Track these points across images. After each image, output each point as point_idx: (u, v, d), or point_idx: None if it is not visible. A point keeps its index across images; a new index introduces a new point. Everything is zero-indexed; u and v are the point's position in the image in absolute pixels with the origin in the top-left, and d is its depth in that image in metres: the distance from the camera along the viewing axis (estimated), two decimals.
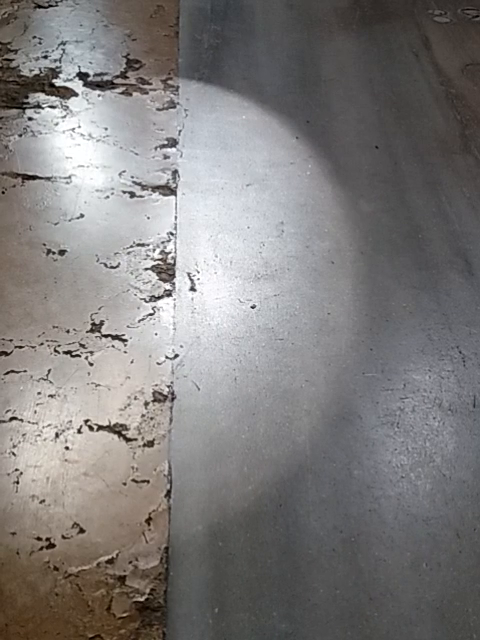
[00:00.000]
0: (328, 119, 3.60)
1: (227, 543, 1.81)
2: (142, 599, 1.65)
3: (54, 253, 2.55)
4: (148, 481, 1.89)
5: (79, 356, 2.20)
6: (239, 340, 2.35)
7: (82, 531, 1.76)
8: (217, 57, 4.07)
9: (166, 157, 3.12)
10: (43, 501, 1.82)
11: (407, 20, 4.60)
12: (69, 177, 2.92)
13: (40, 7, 4.11)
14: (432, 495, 1.93)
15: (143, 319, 2.36)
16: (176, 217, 2.82)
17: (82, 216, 2.73)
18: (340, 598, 1.70)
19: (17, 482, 1.85)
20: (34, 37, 3.83)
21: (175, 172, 3.04)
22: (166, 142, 3.21)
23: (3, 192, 2.78)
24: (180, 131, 3.31)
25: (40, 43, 3.78)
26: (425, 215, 2.96)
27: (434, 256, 2.73)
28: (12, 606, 1.61)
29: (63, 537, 1.74)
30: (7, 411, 2.02)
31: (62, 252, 2.55)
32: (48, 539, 1.74)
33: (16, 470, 1.88)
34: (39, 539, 1.74)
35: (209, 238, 2.77)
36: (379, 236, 2.85)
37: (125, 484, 1.88)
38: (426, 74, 4.03)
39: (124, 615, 1.62)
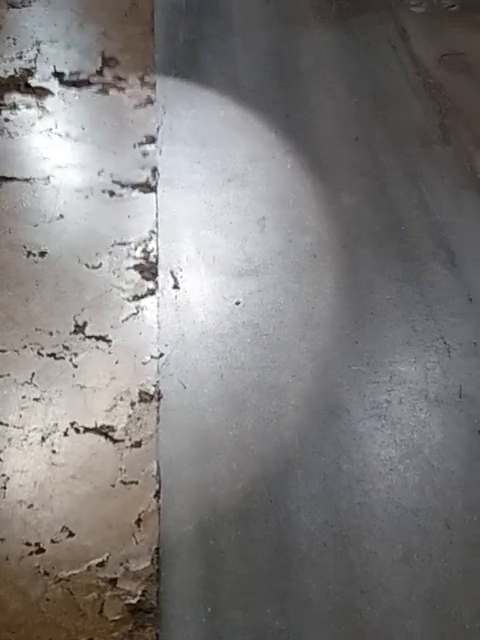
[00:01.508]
0: (307, 113, 3.59)
1: (218, 541, 1.80)
2: (134, 601, 1.64)
3: (35, 255, 2.52)
4: (137, 482, 1.88)
5: (63, 358, 2.18)
6: (224, 337, 2.34)
7: (71, 535, 1.74)
8: (194, 53, 4.04)
9: (145, 154, 3.10)
10: (31, 506, 1.80)
11: (384, 12, 4.60)
12: (48, 178, 2.89)
13: (13, 7, 4.06)
14: (421, 486, 1.93)
15: (127, 319, 2.34)
16: (157, 215, 2.80)
17: (62, 217, 2.71)
18: (333, 593, 1.69)
19: (4, 487, 1.83)
20: (8, 37, 3.79)
21: (154, 169, 3.02)
22: (144, 139, 3.19)
23: None
24: (158, 128, 3.29)
25: (14, 43, 3.73)
26: (406, 207, 2.96)
27: (417, 248, 2.73)
28: (3, 612, 1.59)
29: (52, 541, 1.73)
30: None
31: (43, 254, 2.53)
32: (37, 544, 1.72)
33: (3, 475, 1.86)
34: (28, 544, 1.72)
35: (191, 235, 2.75)
36: (361, 229, 2.85)
37: (113, 486, 1.86)
38: (403, 65, 4.03)
39: (116, 618, 1.60)
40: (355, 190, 3.10)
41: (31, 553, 1.70)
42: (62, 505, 1.79)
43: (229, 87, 3.74)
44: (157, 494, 1.86)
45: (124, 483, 1.86)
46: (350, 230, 2.86)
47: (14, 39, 3.74)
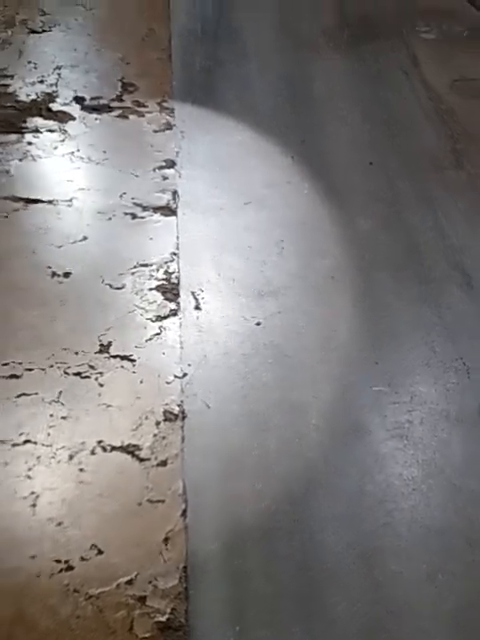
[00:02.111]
0: (321, 138, 3.65)
1: (244, 560, 1.82)
2: (163, 619, 1.65)
3: (59, 275, 2.56)
4: (163, 501, 1.90)
5: (89, 377, 2.21)
6: (246, 357, 2.38)
7: (100, 552, 1.76)
8: (210, 79, 4.11)
9: (165, 178, 3.15)
10: (60, 523, 1.82)
11: (395, 39, 4.67)
12: (70, 200, 2.94)
13: (34, 32, 4.15)
14: (444, 506, 1.95)
15: (150, 339, 2.37)
16: (178, 237, 2.85)
17: (85, 238, 2.75)
18: (359, 613, 1.71)
19: (34, 505, 1.86)
20: (29, 62, 3.86)
21: (175, 193, 3.07)
22: (164, 163, 3.24)
23: (6, 216, 2.79)
24: (177, 152, 3.35)
25: (35, 68, 3.81)
26: (422, 231, 3.00)
27: (433, 270, 2.77)
28: (34, 630, 1.61)
29: (82, 559, 1.75)
30: (21, 434, 2.02)
31: (67, 274, 2.57)
32: (67, 561, 1.74)
33: (32, 493, 1.88)
34: (58, 561, 1.74)
35: (211, 257, 2.79)
36: (378, 253, 2.89)
37: (140, 504, 1.89)
38: (416, 91, 4.09)
39: (146, 635, 1.62)
40: (371, 215, 3.14)
41: (61, 570, 1.72)
42: (90, 523, 1.82)
43: (245, 113, 3.80)
44: (184, 513, 1.88)
45: (151, 502, 1.89)
46: (367, 254, 2.90)
47: (35, 64, 3.82)
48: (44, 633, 1.60)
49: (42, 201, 2.92)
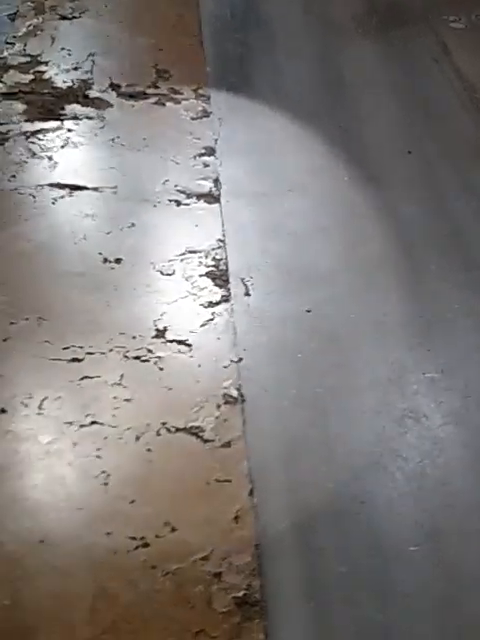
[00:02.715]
0: (358, 125, 3.71)
1: (314, 539, 1.90)
2: (240, 594, 1.73)
3: (110, 261, 2.63)
4: (230, 480, 1.98)
5: (148, 361, 2.29)
6: (299, 343, 2.45)
7: (174, 530, 1.84)
8: (243, 66, 4.17)
9: (206, 165, 3.22)
10: (133, 502, 1.90)
11: (423, 26, 4.72)
12: (115, 187, 3.01)
13: (65, 18, 4.20)
14: None
15: (204, 324, 2.44)
16: (223, 224, 2.91)
17: (133, 225, 2.82)
18: (431, 589, 1.78)
19: (106, 484, 1.93)
20: (63, 49, 3.92)
21: (216, 180, 3.13)
22: (204, 151, 3.31)
23: (53, 203, 2.87)
24: (216, 140, 3.41)
25: (69, 55, 3.87)
26: (465, 217, 3.07)
27: (479, 257, 2.83)
28: (117, 604, 1.69)
29: (156, 536, 1.82)
30: (87, 415, 2.10)
31: (118, 260, 2.64)
32: (142, 538, 1.81)
33: (103, 472, 1.95)
34: (134, 538, 1.81)
35: (257, 244, 2.86)
36: (422, 239, 2.95)
37: (208, 484, 1.96)
38: (448, 79, 4.14)
39: (224, 610, 1.69)
40: (413, 201, 3.21)
41: (137, 547, 1.79)
42: (161, 501, 1.89)
43: (280, 99, 3.86)
44: (251, 493, 1.96)
45: (218, 481, 1.96)
46: (411, 240, 2.97)
47: (68, 50, 3.89)
48: (126, 606, 1.68)
49: (87, 188, 2.99)
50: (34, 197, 2.91)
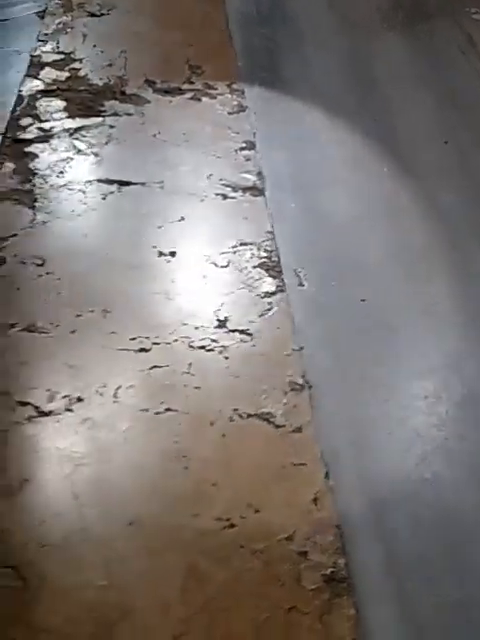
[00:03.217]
0: (391, 117, 3.80)
1: (390, 519, 1.99)
2: (327, 571, 1.81)
3: (165, 254, 2.71)
4: (305, 464, 2.06)
5: (213, 351, 2.37)
6: (357, 332, 2.54)
7: (257, 511, 1.92)
8: (273, 61, 4.25)
9: (247, 159, 3.30)
10: (215, 484, 1.98)
11: (448, 19, 4.80)
12: (161, 182, 3.09)
13: (93, 16, 4.28)
14: None
15: (262, 314, 2.53)
16: (270, 216, 2.99)
17: (183, 219, 2.90)
18: None
19: (187, 468, 2.02)
20: (95, 46, 4.00)
21: (259, 173, 3.22)
22: (244, 145, 3.39)
23: (104, 198, 2.95)
24: (255, 134, 3.49)
25: (102, 52, 3.95)
26: None
27: None
28: (208, 583, 1.77)
29: (241, 517, 1.91)
30: (161, 403, 2.18)
31: (173, 254, 2.72)
32: (228, 519, 1.90)
33: (184, 456, 2.04)
34: (220, 519, 1.90)
35: (306, 236, 2.95)
36: (464, 227, 3.05)
37: (284, 467, 2.05)
38: (476, 70, 4.23)
39: (314, 587, 1.78)
40: (452, 190, 3.30)
41: (224, 528, 1.87)
42: (242, 484, 1.98)
43: (312, 93, 3.95)
44: (326, 475, 2.04)
45: (294, 465, 2.05)
46: (455, 228, 3.06)
47: (101, 48, 3.96)
48: (219, 584, 1.76)
49: (134, 183, 3.07)
50: (84, 193, 2.98)
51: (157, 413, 2.15)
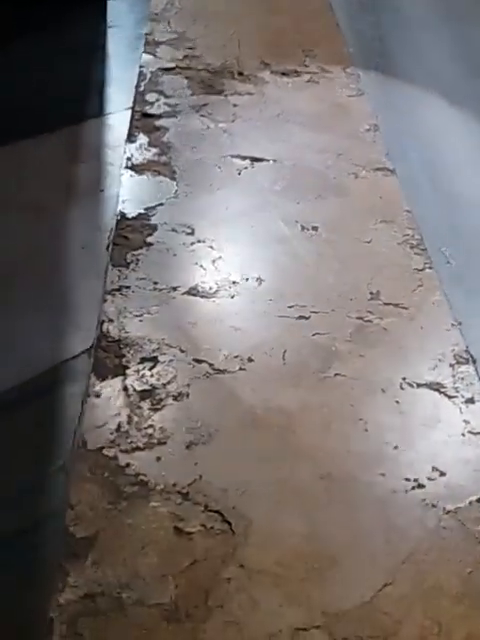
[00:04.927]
0: None
1: None
2: None
3: (308, 229, 2.84)
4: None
5: (371, 322, 2.48)
6: None
7: (443, 474, 2.02)
8: (384, 47, 4.41)
9: (374, 141, 3.43)
10: (396, 447, 2.08)
11: None
12: (292, 159, 3.22)
13: None
14: None
15: (415, 289, 2.64)
16: (405, 196, 3.11)
17: (320, 196, 3.04)
18: None
19: (366, 430, 2.12)
20: (206, 26, 4.18)
21: (387, 154, 3.34)
22: (368, 127, 3.52)
23: (239, 173, 3.09)
24: (377, 116, 3.62)
25: (215, 32, 4.12)
26: None
27: None
28: (406, 539, 1.87)
29: (428, 479, 2.01)
30: (329, 368, 2.30)
31: (315, 228, 2.85)
32: (416, 480, 2.00)
33: (361, 419, 2.15)
34: (408, 480, 2.00)
35: (443, 216, 3.07)
36: None
37: (464, 435, 2.15)
38: None
39: None
40: None
41: (413, 488, 1.97)
42: (424, 447, 2.08)
43: (431, 79, 4.10)
44: None
45: (472, 433, 2.14)
46: None
47: (212, 28, 4.13)
48: (418, 541, 1.86)
49: (266, 159, 3.21)
50: (220, 167, 3.13)
51: (326, 377, 2.26)
